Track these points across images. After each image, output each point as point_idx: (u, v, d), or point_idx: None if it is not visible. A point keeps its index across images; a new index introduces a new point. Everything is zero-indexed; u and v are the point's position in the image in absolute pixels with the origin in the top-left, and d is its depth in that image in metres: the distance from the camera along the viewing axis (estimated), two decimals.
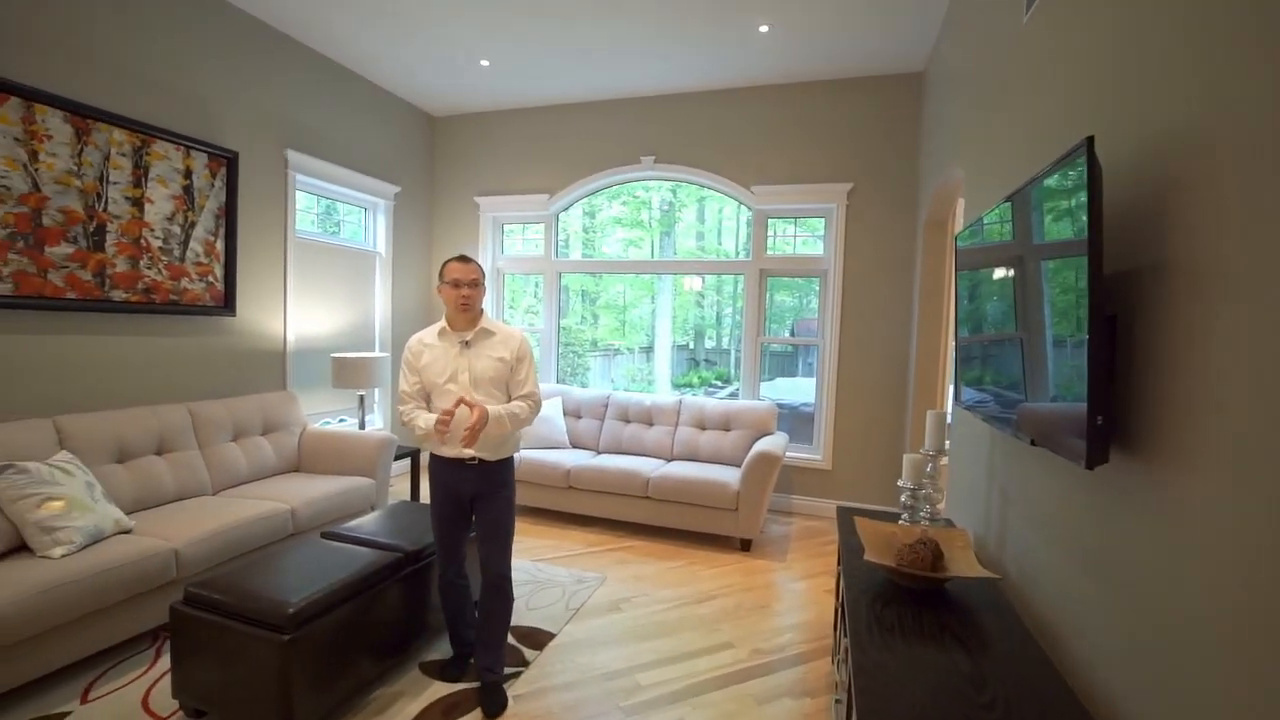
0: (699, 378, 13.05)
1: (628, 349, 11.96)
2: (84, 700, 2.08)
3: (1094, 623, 1.27)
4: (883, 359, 4.24)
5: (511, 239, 5.37)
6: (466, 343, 2.13)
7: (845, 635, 1.70)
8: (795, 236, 4.61)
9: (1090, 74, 1.44)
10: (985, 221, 1.84)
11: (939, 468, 2.20)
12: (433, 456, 2.19)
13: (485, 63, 4.20)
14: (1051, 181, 1.30)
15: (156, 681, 2.18)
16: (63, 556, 2.16)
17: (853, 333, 4.30)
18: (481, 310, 2.19)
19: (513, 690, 2.22)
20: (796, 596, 3.10)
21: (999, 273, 1.74)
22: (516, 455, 2.28)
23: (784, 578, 3.34)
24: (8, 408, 2.64)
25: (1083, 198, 1.12)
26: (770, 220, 4.57)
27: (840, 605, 2.04)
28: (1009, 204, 1.59)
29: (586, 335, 10.85)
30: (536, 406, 2.20)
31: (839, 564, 2.49)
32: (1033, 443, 1.44)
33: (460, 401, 2.01)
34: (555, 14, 3.52)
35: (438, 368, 2.12)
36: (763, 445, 3.71)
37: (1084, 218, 1.11)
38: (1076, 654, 1.35)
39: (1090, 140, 1.10)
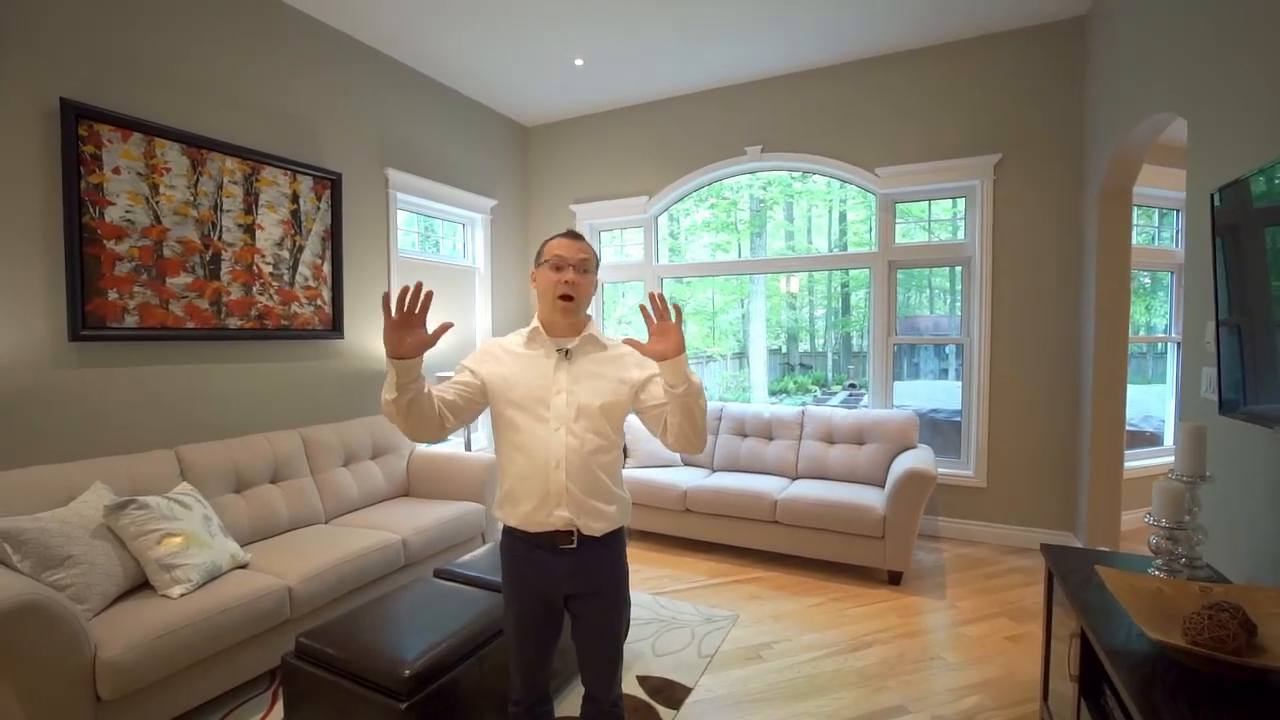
0: (795, 383, 12.41)
1: (720, 355, 11.55)
2: None
3: None
4: (1046, 358, 3.60)
5: (606, 247, 5.14)
6: (567, 353, 1.48)
7: None
8: (930, 221, 4.06)
9: None
10: None
11: (1197, 498, 1.67)
12: (505, 535, 1.51)
13: (579, 61, 3.99)
14: None
15: None
16: (181, 596, 2.06)
17: (1007, 327, 3.69)
18: (589, 316, 1.55)
19: None
20: (971, 645, 2.59)
21: None
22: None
23: (949, 619, 2.82)
24: (135, 439, 2.65)
25: None
26: (898, 205, 4.05)
27: (1083, 683, 1.56)
28: None
29: None
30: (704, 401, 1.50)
31: (1048, 616, 1.99)
32: None
33: (444, 325, 1.34)
34: None
35: (524, 384, 1.44)
36: (910, 462, 3.20)
37: None
38: None
39: None
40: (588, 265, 1.48)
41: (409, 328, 1.29)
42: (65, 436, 2.45)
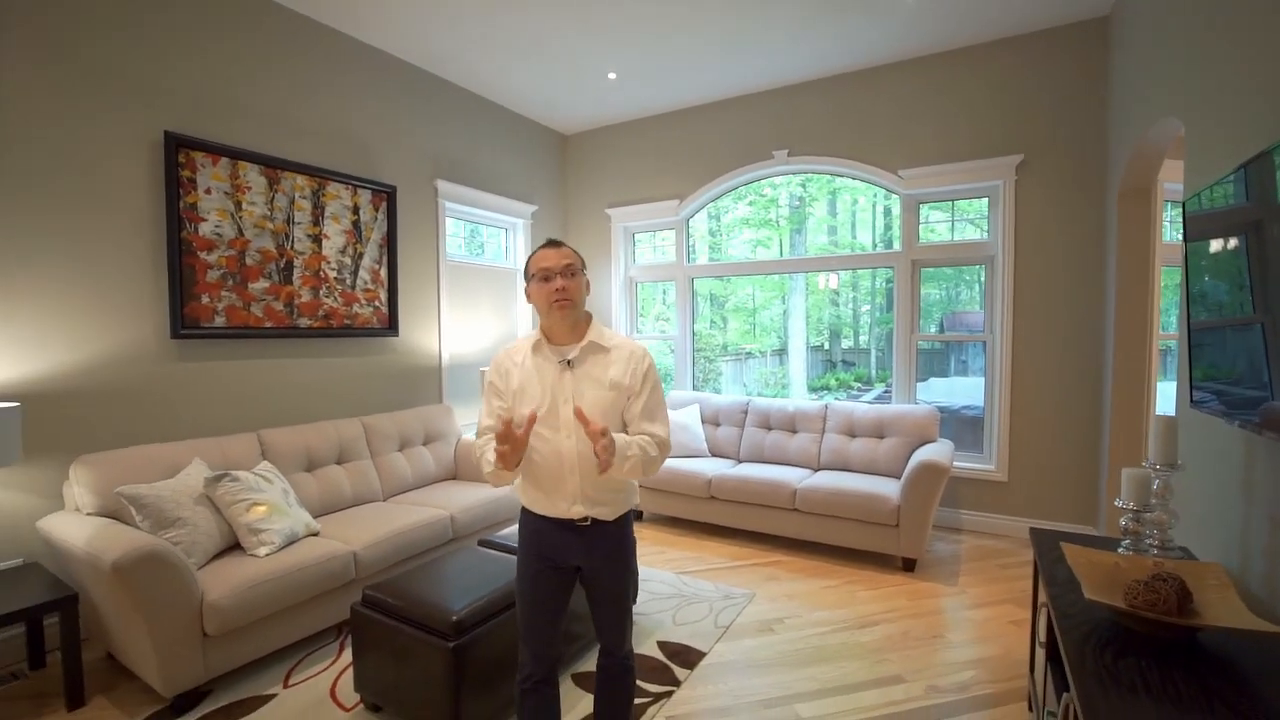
0: (836, 379, 12.36)
1: (760, 352, 11.61)
2: (285, 685, 2.31)
3: None
4: (1069, 355, 3.66)
5: (641, 247, 5.39)
6: (569, 361, 1.57)
7: (1067, 689, 1.41)
8: (953, 221, 4.15)
9: None
10: None
11: (1169, 485, 1.80)
12: (524, 514, 1.67)
13: (612, 75, 4.24)
14: None
15: (341, 674, 2.37)
16: (266, 555, 2.43)
17: (1029, 326, 3.76)
18: (589, 316, 1.65)
19: (665, 711, 2.14)
20: (975, 627, 2.73)
21: None
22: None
23: (957, 604, 2.96)
24: (224, 423, 3.06)
25: None
26: (921, 206, 4.15)
27: (1049, 648, 1.72)
28: None
29: (716, 340, 10.68)
30: (665, 451, 1.60)
31: (1035, 595, 2.14)
32: None
33: (532, 416, 1.47)
34: (679, 13, 3.44)
35: (535, 396, 1.55)
36: (925, 454, 3.34)
37: None
38: None
39: None
40: (573, 269, 1.57)
41: (516, 449, 1.45)
42: (169, 420, 2.86)
